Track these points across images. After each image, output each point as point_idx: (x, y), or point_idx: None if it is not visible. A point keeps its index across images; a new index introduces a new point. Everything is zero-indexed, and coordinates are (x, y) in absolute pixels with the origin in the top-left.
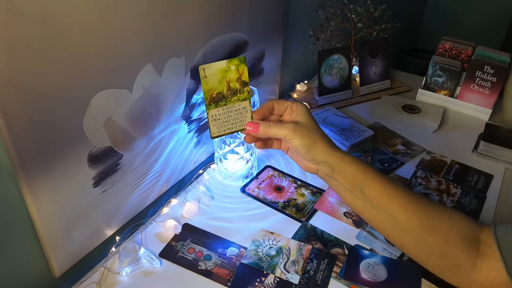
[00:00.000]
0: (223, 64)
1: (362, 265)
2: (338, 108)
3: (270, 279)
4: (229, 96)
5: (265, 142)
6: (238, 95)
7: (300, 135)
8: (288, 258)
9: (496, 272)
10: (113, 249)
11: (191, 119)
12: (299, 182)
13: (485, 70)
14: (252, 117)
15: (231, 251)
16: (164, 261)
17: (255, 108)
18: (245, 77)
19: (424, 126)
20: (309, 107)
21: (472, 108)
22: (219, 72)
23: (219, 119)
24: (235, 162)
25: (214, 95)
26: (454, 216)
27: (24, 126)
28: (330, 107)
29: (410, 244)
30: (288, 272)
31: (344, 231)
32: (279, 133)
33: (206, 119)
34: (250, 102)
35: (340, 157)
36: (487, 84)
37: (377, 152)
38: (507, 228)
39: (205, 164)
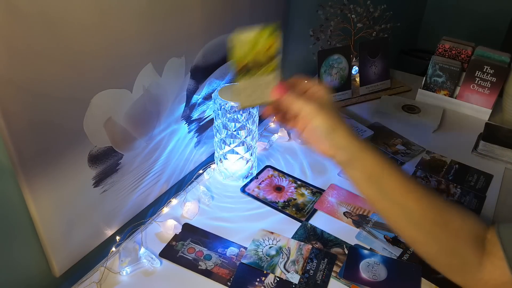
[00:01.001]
0: (253, 33)
1: (362, 264)
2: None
3: (270, 278)
4: (258, 67)
5: (283, 117)
6: (267, 66)
7: (323, 115)
8: (288, 258)
9: (500, 271)
10: (113, 249)
11: (191, 119)
12: (299, 182)
13: (484, 70)
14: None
15: (231, 251)
16: (164, 261)
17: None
18: (275, 48)
19: (424, 126)
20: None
21: (471, 108)
22: (249, 42)
23: (246, 90)
24: (235, 162)
25: (242, 66)
26: (465, 215)
27: (24, 126)
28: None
29: (421, 240)
30: (288, 271)
31: (344, 231)
32: (304, 107)
33: (208, 117)
34: (278, 74)
35: (360, 145)
36: (486, 84)
37: None
38: (510, 226)
39: (205, 164)
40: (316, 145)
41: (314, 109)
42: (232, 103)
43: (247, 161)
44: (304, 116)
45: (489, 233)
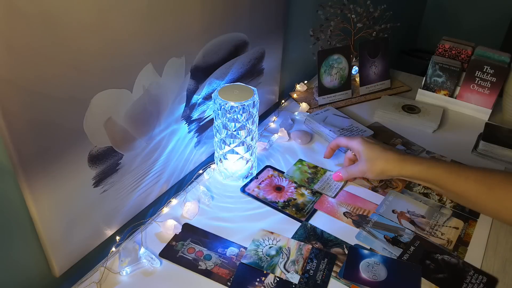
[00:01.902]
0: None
1: (362, 264)
2: (338, 108)
3: (270, 279)
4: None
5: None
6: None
7: (374, 165)
8: (288, 258)
9: None
10: (113, 249)
11: (191, 119)
12: (298, 183)
13: (484, 70)
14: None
15: (231, 251)
16: (164, 261)
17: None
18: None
19: (424, 126)
20: (310, 108)
21: (471, 108)
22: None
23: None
24: (235, 162)
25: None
26: None
27: (24, 126)
28: (330, 107)
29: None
30: (288, 271)
31: (344, 231)
32: (365, 174)
33: (208, 117)
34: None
35: (411, 172)
36: (486, 84)
37: None
38: None
39: (205, 164)
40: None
41: (374, 172)
42: (232, 103)
43: (247, 161)
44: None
45: None
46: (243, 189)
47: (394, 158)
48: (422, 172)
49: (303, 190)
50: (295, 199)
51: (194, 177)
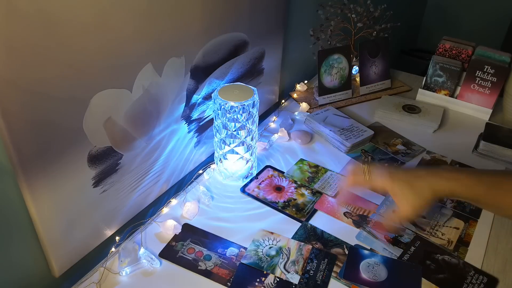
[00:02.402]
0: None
1: (362, 265)
2: (338, 108)
3: (270, 279)
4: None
5: None
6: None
7: (405, 202)
8: (288, 258)
9: None
10: (113, 249)
11: (191, 119)
12: (299, 182)
13: (485, 70)
14: None
15: (231, 251)
16: (164, 261)
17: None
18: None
19: (424, 126)
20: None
21: (472, 108)
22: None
23: None
24: (235, 162)
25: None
26: None
27: (24, 126)
28: (330, 107)
29: None
30: (288, 272)
31: (344, 231)
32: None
33: (208, 117)
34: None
35: (440, 193)
36: (487, 84)
37: (377, 152)
38: None
39: (205, 164)
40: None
41: (405, 213)
42: (232, 103)
43: (247, 161)
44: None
45: None
46: (243, 189)
47: (422, 186)
48: (458, 189)
49: (303, 190)
50: (295, 199)
51: (194, 177)
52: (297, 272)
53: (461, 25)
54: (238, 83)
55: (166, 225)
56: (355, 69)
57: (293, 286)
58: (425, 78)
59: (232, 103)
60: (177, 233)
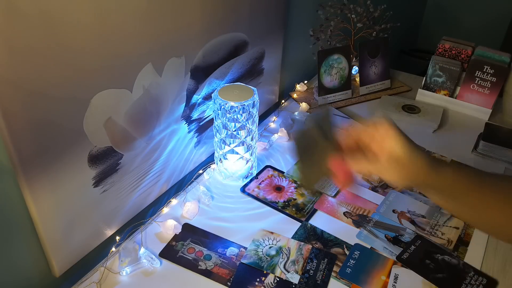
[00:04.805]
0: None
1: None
2: (338, 108)
3: (270, 278)
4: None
5: None
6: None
7: (396, 178)
8: (288, 258)
9: None
10: (113, 249)
11: (191, 119)
12: (299, 182)
13: (485, 70)
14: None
15: (231, 251)
16: (164, 261)
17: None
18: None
19: (424, 126)
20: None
21: (472, 108)
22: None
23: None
24: (235, 162)
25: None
26: None
27: (24, 126)
28: (330, 107)
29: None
30: (288, 271)
31: (344, 231)
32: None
33: (208, 117)
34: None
35: (434, 184)
36: (487, 84)
37: None
38: None
39: (205, 164)
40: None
41: (383, 176)
42: (232, 103)
43: (247, 161)
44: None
45: None
46: (243, 189)
47: (413, 176)
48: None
49: (303, 190)
50: (295, 199)
51: (194, 177)
52: (297, 272)
53: (461, 25)
54: (238, 83)
55: (166, 225)
56: (355, 69)
57: (293, 286)
58: (424, 78)
59: (232, 103)
60: (177, 233)
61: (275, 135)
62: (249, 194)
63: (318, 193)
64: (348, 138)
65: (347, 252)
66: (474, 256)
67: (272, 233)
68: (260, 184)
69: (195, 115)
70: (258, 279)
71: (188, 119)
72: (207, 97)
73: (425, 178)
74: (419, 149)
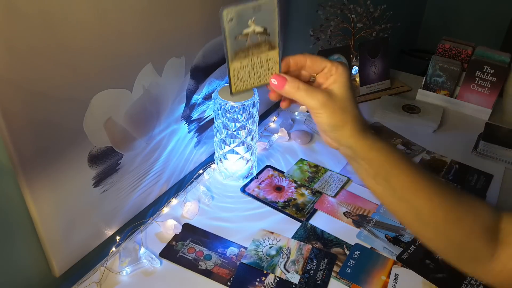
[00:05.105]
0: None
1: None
2: None
3: (270, 278)
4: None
5: (292, 101)
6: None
7: (329, 112)
8: (288, 258)
9: None
10: (113, 249)
11: (191, 119)
12: (299, 182)
13: (485, 70)
14: (280, 70)
15: (231, 251)
16: (164, 261)
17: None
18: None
19: (424, 126)
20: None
21: (472, 108)
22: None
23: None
24: (235, 162)
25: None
26: (478, 207)
27: (24, 126)
28: None
29: (430, 236)
30: (288, 271)
31: (344, 231)
32: (306, 101)
33: (208, 117)
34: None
35: (368, 145)
36: (487, 84)
37: None
38: None
39: (205, 164)
40: (321, 135)
41: (318, 104)
42: (232, 103)
43: (247, 161)
44: (308, 109)
45: (502, 222)
46: (243, 189)
47: (355, 117)
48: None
49: (303, 190)
50: (295, 199)
51: (194, 177)
52: (297, 272)
53: (461, 25)
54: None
55: (167, 225)
56: (355, 69)
57: (293, 286)
58: (424, 78)
59: (232, 103)
60: (178, 233)
61: (275, 135)
62: (249, 194)
63: (318, 193)
64: (299, 58)
65: (347, 252)
66: None
67: (272, 233)
68: (260, 184)
69: (195, 115)
70: (258, 279)
71: (188, 119)
72: (207, 97)
73: (350, 133)
74: (358, 109)
